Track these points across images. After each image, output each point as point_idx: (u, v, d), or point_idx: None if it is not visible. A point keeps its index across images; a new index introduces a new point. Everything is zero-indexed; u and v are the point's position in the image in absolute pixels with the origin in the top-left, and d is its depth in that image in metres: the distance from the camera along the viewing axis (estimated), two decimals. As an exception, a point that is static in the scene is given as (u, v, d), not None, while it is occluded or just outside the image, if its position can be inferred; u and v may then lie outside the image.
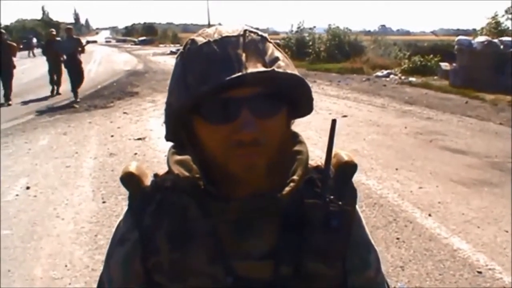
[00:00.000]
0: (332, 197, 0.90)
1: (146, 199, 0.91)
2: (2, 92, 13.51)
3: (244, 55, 0.77)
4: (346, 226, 0.92)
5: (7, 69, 13.42)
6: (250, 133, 0.76)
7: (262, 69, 0.77)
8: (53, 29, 15.96)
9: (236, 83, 0.75)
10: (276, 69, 0.78)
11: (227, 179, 0.84)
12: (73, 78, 13.32)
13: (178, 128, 0.86)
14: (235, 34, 0.80)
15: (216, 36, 0.80)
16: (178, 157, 0.92)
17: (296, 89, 0.83)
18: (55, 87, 14.79)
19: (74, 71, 13.27)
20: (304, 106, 0.88)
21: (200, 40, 0.82)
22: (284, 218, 0.87)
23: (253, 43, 0.80)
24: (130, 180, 0.93)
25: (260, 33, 0.83)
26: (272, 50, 0.82)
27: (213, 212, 0.85)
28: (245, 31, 0.81)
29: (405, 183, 5.98)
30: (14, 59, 14.06)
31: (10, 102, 13.36)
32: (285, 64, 0.81)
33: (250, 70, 0.75)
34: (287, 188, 0.86)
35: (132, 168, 0.94)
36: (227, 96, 0.77)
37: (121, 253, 0.93)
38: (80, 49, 13.67)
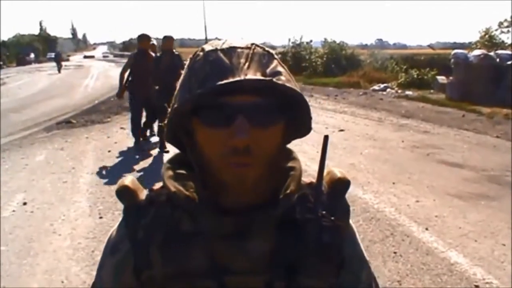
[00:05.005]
0: (324, 212, 0.90)
1: (140, 212, 0.92)
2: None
3: (246, 64, 0.80)
4: (339, 241, 0.92)
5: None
6: (243, 139, 0.77)
7: (260, 77, 0.79)
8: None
9: (233, 88, 0.77)
10: (274, 80, 0.80)
11: (219, 187, 0.85)
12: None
13: (178, 130, 0.89)
14: (242, 46, 0.83)
15: (224, 46, 0.84)
16: (173, 173, 0.93)
17: (294, 105, 0.85)
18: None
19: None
20: (302, 124, 0.90)
21: (209, 48, 0.85)
22: (277, 233, 0.87)
23: (258, 55, 0.83)
24: (125, 193, 0.94)
25: (267, 49, 0.87)
26: (275, 64, 0.84)
27: (206, 226, 0.86)
28: (252, 44, 0.85)
29: (402, 197, 5.98)
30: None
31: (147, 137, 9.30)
32: (286, 79, 0.82)
33: (249, 77, 0.78)
34: (280, 203, 0.87)
35: (128, 181, 0.95)
36: (226, 101, 0.78)
37: (112, 263, 0.94)
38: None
